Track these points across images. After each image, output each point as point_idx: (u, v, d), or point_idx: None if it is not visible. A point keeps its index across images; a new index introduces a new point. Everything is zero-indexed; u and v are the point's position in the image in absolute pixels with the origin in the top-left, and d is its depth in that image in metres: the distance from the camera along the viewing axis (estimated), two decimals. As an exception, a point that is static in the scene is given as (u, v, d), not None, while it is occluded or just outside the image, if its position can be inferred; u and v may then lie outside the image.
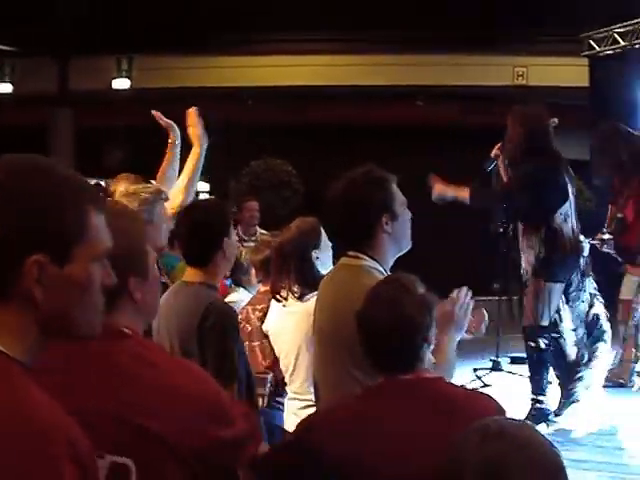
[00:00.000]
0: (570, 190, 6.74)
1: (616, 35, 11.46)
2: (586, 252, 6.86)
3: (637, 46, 11.03)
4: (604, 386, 7.05)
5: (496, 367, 8.29)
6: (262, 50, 14.20)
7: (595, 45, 11.88)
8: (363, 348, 2.83)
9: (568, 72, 12.64)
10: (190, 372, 2.26)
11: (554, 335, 6.69)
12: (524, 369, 8.32)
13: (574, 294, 6.78)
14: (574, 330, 6.80)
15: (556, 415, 6.71)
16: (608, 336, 6.94)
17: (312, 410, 3.54)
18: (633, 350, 7.69)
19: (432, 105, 13.84)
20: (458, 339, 3.39)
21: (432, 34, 12.78)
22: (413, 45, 13.14)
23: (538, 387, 6.68)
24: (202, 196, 12.24)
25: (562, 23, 12.07)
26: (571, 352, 6.77)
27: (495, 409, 2.77)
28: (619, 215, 7.71)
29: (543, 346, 6.60)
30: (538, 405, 6.63)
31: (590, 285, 6.90)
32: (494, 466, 1.63)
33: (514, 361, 8.64)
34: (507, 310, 9.42)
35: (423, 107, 13.98)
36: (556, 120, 7.77)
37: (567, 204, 6.70)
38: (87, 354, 2.05)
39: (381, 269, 3.40)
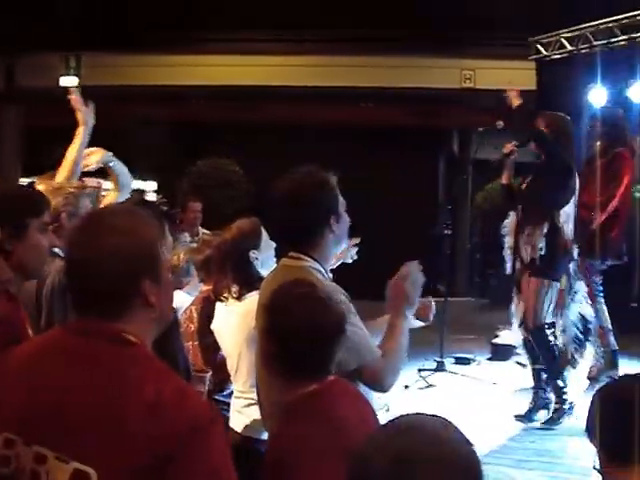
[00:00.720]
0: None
1: (563, 40, 11.57)
2: (575, 255, 7.11)
3: (583, 51, 11.14)
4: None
5: (440, 368, 8.33)
6: (212, 49, 14.14)
7: (542, 49, 11.99)
8: (275, 351, 2.87)
9: (515, 76, 12.72)
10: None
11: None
12: (468, 369, 8.43)
13: (566, 296, 6.99)
14: (564, 331, 7.01)
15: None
16: (593, 335, 7.27)
17: (255, 408, 3.55)
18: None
19: (380, 107, 13.86)
20: (410, 317, 3.42)
21: (381, 36, 12.80)
22: (362, 47, 13.15)
23: (556, 378, 6.77)
24: (150, 195, 12.17)
25: (510, 27, 12.14)
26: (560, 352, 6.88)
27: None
28: None
29: (553, 340, 6.74)
30: (563, 403, 6.70)
31: (581, 287, 7.17)
32: (401, 460, 1.60)
33: (458, 361, 8.71)
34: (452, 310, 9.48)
35: (371, 108, 14.01)
36: (501, 123, 7.86)
37: (571, 205, 6.91)
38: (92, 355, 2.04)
39: (322, 270, 3.43)
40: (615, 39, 10.59)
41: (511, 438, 6.50)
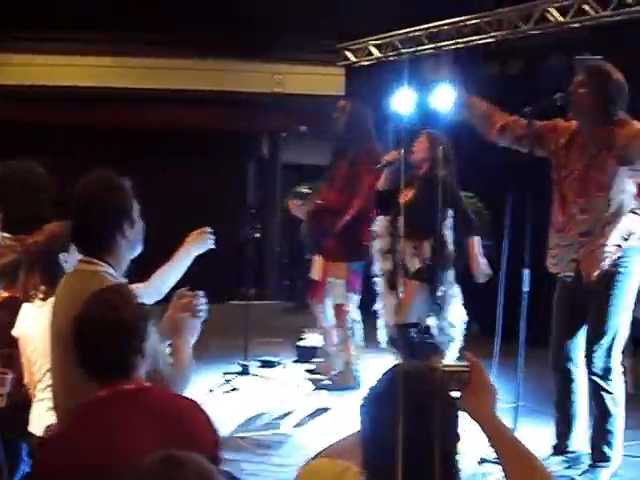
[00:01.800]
0: None
1: (371, 47, 11.71)
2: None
3: (391, 58, 11.30)
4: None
5: (245, 371, 8.18)
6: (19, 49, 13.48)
7: (351, 56, 12.10)
8: (78, 355, 2.81)
9: (325, 81, 12.78)
10: None
11: (426, 335, 6.87)
12: (273, 372, 8.33)
13: (440, 300, 7.18)
14: (439, 331, 7.17)
15: None
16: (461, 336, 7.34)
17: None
18: (352, 352, 7.84)
19: (189, 110, 13.63)
20: (192, 342, 3.57)
21: (192, 39, 12.59)
22: (174, 50, 12.89)
23: None
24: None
25: (320, 33, 12.18)
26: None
27: (204, 418, 2.87)
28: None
29: (416, 338, 6.73)
30: None
31: (457, 291, 7.26)
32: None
33: (264, 364, 8.60)
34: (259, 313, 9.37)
35: (181, 111, 13.75)
36: (305, 127, 7.86)
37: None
38: None
39: (115, 274, 3.40)
40: (422, 47, 10.76)
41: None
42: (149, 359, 2.95)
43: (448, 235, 7.19)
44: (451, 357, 7.39)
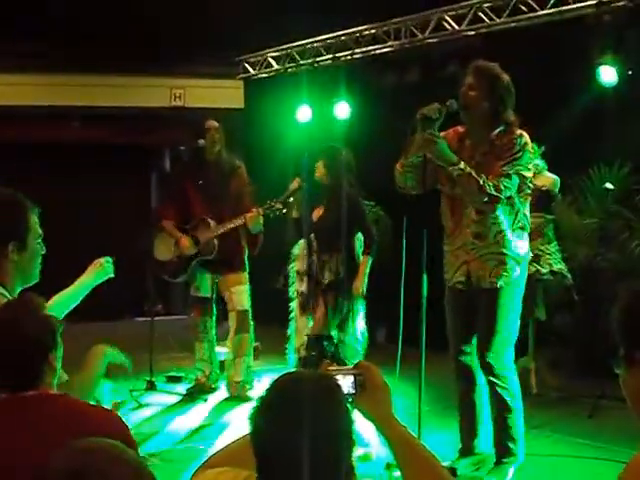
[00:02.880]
0: None
1: (270, 59, 11.73)
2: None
3: (290, 70, 11.33)
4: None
5: (152, 387, 8.10)
6: None
7: (250, 68, 12.10)
8: None
9: (225, 94, 12.75)
10: None
11: (339, 346, 7.29)
12: (180, 387, 8.25)
13: (345, 314, 7.40)
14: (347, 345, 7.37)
15: None
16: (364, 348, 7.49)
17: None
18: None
19: (89, 126, 13.46)
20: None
21: (86, 54, 12.42)
22: (68, 65, 12.71)
23: None
24: None
25: (218, 46, 12.14)
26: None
27: (119, 422, 2.81)
28: None
29: (331, 350, 7.13)
30: None
31: (362, 306, 7.44)
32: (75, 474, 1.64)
33: (170, 380, 8.51)
34: (165, 329, 9.30)
35: (78, 128, 13.56)
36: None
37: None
38: None
39: (8, 296, 3.31)
40: (320, 58, 10.81)
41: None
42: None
43: (357, 251, 7.42)
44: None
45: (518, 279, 5.52)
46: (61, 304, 3.92)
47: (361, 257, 7.38)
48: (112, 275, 4.18)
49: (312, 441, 1.98)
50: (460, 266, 5.59)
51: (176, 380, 8.54)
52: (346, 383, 2.38)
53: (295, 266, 7.84)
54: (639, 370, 2.03)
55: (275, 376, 2.14)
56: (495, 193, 5.27)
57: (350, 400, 2.35)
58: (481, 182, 5.27)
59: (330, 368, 2.48)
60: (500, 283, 5.46)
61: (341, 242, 7.29)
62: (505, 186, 5.29)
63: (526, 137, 5.42)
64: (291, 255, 7.94)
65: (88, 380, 3.41)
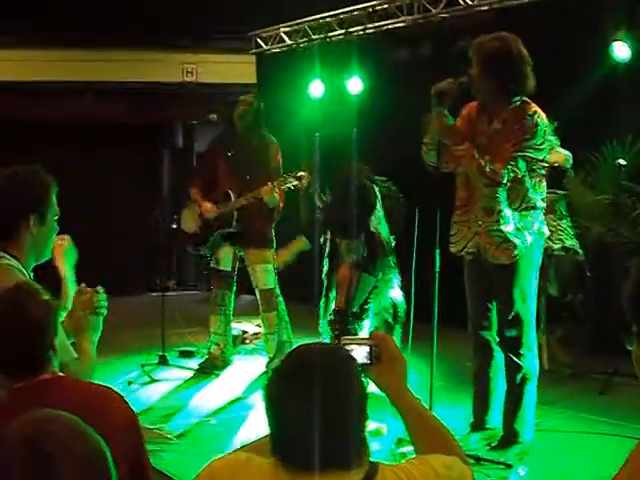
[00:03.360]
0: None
1: (282, 34, 11.70)
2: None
3: (302, 45, 11.30)
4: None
5: (163, 362, 8.14)
6: None
7: (262, 43, 12.07)
8: None
9: (237, 69, 12.75)
10: None
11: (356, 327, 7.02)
12: (192, 362, 8.29)
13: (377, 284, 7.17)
14: (376, 314, 7.15)
15: None
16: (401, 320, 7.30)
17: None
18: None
19: (102, 101, 13.46)
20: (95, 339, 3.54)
21: (100, 29, 12.42)
22: (82, 40, 12.70)
23: None
24: None
25: (230, 21, 12.13)
26: None
27: (120, 400, 2.83)
28: None
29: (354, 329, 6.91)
30: None
31: (394, 275, 7.22)
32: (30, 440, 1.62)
33: (182, 355, 8.55)
34: (177, 304, 9.33)
35: (93, 103, 13.57)
36: (215, 116, 7.83)
37: (379, 207, 7.09)
38: None
39: (23, 270, 3.36)
40: (333, 33, 10.79)
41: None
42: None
43: (376, 226, 7.16)
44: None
45: (527, 257, 5.45)
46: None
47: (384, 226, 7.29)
48: (74, 255, 4.08)
49: (323, 412, 2.01)
50: (472, 237, 5.57)
51: (188, 355, 8.57)
52: (361, 353, 2.41)
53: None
54: None
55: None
56: (493, 177, 5.25)
57: (364, 370, 2.37)
58: (483, 164, 5.25)
59: (346, 338, 2.51)
60: (503, 260, 5.45)
61: (358, 225, 7.10)
62: (509, 170, 5.24)
63: (541, 115, 5.32)
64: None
65: (87, 363, 3.45)
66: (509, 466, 5.29)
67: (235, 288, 8.21)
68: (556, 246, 7.53)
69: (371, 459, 2.14)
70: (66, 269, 3.98)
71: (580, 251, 7.71)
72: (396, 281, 7.32)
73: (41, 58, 12.79)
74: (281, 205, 7.84)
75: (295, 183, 7.56)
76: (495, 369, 5.71)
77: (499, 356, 5.65)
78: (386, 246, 7.18)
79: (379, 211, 7.21)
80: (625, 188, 8.00)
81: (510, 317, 5.48)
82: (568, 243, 7.64)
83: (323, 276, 7.47)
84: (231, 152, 7.97)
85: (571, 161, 7.82)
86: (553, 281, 7.69)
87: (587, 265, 7.79)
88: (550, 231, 7.31)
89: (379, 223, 7.20)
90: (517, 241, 5.42)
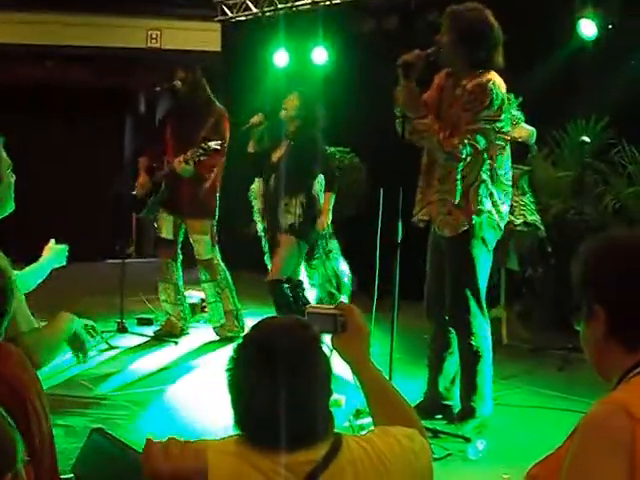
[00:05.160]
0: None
1: (248, 2, 11.59)
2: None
3: (268, 14, 11.20)
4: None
5: (122, 329, 8.08)
6: None
7: (228, 11, 11.95)
8: None
9: (201, 36, 12.63)
10: None
11: (299, 290, 7.27)
12: (150, 329, 8.25)
13: (318, 255, 7.46)
14: (319, 285, 7.50)
15: None
16: (347, 290, 7.70)
17: None
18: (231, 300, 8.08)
19: (63, 66, 13.29)
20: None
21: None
22: (44, 3, 12.51)
23: None
24: None
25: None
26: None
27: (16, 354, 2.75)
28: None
29: (290, 295, 7.14)
30: None
31: (335, 245, 7.57)
32: None
33: (140, 322, 8.51)
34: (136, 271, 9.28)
35: (53, 68, 13.39)
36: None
37: (322, 178, 7.31)
38: None
39: None
40: (299, 2, 10.71)
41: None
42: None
43: (317, 192, 7.35)
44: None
45: (473, 235, 5.37)
46: (22, 280, 3.84)
47: (322, 195, 7.35)
48: (64, 263, 4.10)
49: (290, 393, 2.03)
50: (425, 205, 5.55)
51: (147, 322, 8.53)
52: (327, 322, 2.40)
53: (256, 205, 7.75)
54: (597, 325, 2.03)
55: (254, 320, 2.15)
56: (453, 152, 5.22)
57: (328, 339, 2.37)
58: (441, 139, 5.23)
59: (311, 306, 2.50)
60: (446, 232, 5.43)
61: (301, 184, 7.28)
62: (467, 144, 5.19)
63: (499, 85, 5.25)
64: (250, 192, 7.84)
65: (49, 339, 3.40)
66: (467, 440, 5.30)
67: (181, 257, 8.18)
68: (518, 221, 7.54)
69: (335, 431, 2.16)
70: (45, 259, 3.99)
71: (541, 227, 7.74)
72: (334, 252, 7.39)
73: (3, 20, 12.58)
74: (211, 174, 7.79)
75: (209, 148, 7.44)
76: (449, 343, 5.68)
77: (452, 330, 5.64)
78: (318, 213, 7.31)
79: (323, 180, 7.35)
80: (588, 165, 8.03)
81: (456, 293, 5.47)
82: (530, 219, 7.65)
83: (263, 242, 7.49)
84: (174, 118, 7.98)
85: (535, 137, 7.83)
86: (514, 256, 7.71)
87: (548, 241, 7.82)
88: (512, 206, 7.33)
89: (321, 190, 7.32)
90: (462, 217, 5.37)
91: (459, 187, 5.34)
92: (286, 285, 7.19)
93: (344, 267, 7.67)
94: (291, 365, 2.05)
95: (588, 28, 7.94)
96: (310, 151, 7.25)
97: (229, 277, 8.08)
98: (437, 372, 5.75)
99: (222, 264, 8.03)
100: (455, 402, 5.70)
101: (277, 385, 2.02)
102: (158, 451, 2.12)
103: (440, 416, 5.71)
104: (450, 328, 5.64)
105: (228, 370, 2.12)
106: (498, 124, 5.29)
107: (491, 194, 5.39)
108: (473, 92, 5.27)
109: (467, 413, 5.52)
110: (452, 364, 5.70)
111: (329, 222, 7.43)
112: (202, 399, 6.18)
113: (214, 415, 5.55)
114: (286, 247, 7.29)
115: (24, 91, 12.62)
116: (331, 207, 7.41)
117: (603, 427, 1.87)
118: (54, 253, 4.11)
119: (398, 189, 5.31)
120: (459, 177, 5.33)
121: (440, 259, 5.59)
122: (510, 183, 5.56)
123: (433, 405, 5.74)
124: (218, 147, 7.42)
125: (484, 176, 5.35)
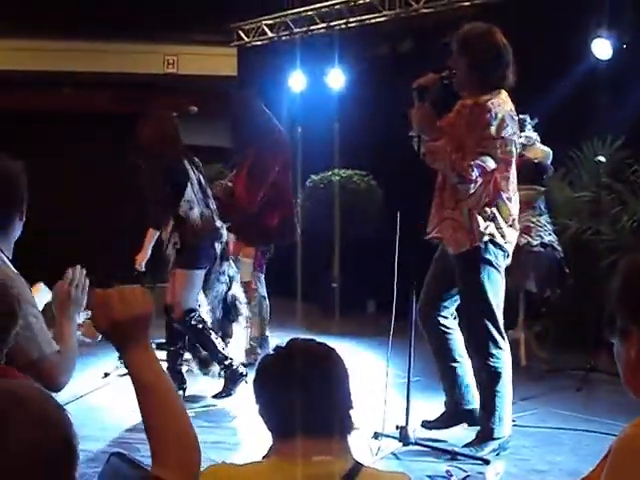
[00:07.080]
0: (193, 176, 6.85)
1: (264, 27, 11.67)
2: (224, 237, 7.05)
3: (284, 38, 11.28)
4: (245, 365, 7.11)
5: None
6: None
7: (244, 36, 12.03)
8: None
9: (218, 61, 12.70)
10: None
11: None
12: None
13: (212, 277, 7.03)
14: (212, 311, 7.11)
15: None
16: (243, 317, 7.36)
17: None
18: (259, 328, 8.00)
19: (81, 93, 13.39)
20: (79, 320, 3.43)
21: (80, 20, 12.34)
22: (61, 31, 12.62)
23: (217, 354, 6.85)
24: None
25: (212, 13, 12.09)
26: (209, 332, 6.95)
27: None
28: (229, 184, 7.98)
29: (200, 325, 6.86)
30: (232, 367, 6.82)
31: (230, 268, 7.16)
32: None
33: (160, 347, 8.48)
34: (157, 295, 9.23)
35: (71, 94, 13.49)
36: (195, 108, 7.79)
37: (190, 191, 6.77)
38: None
39: (7, 261, 3.34)
40: (314, 27, 10.77)
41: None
42: (34, 345, 3.03)
43: (190, 213, 6.81)
44: (248, 334, 7.86)
45: (478, 257, 5.35)
46: None
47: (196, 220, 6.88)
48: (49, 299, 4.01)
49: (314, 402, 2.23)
50: (438, 223, 5.55)
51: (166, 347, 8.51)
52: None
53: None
54: (631, 344, 2.01)
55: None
56: (464, 174, 5.21)
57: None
58: (453, 160, 5.24)
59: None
60: (451, 250, 5.43)
61: (162, 213, 6.92)
62: (475, 165, 5.19)
63: (500, 105, 5.25)
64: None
65: (68, 354, 3.35)
66: (486, 462, 5.28)
67: None
68: (535, 242, 7.54)
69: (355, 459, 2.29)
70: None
71: (559, 248, 7.72)
72: (232, 278, 7.13)
73: (15, 47, 12.69)
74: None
75: None
76: (456, 358, 5.66)
77: (458, 337, 5.62)
78: (202, 235, 6.82)
79: (191, 194, 6.82)
80: (605, 185, 8.02)
81: (470, 317, 5.47)
82: (547, 239, 7.64)
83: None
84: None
85: (551, 157, 7.83)
86: (531, 277, 7.69)
87: (565, 262, 7.80)
88: (529, 227, 7.33)
89: (191, 208, 6.80)
90: (465, 237, 5.37)
91: (464, 208, 5.36)
92: (189, 316, 6.91)
93: (239, 291, 7.35)
94: (311, 373, 2.25)
95: (603, 48, 7.96)
96: (164, 178, 6.80)
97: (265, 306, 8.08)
98: (451, 381, 5.72)
99: (262, 292, 8.03)
100: (475, 405, 5.66)
101: (299, 389, 2.19)
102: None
103: (465, 425, 5.69)
104: (447, 332, 5.62)
105: (256, 382, 2.34)
106: (497, 143, 5.26)
107: (494, 217, 5.38)
108: (472, 112, 5.31)
109: (486, 435, 5.49)
110: (463, 371, 5.67)
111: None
112: (224, 421, 6.19)
113: (238, 436, 5.55)
114: (180, 282, 6.97)
115: (41, 118, 12.69)
116: (149, 244, 7.27)
117: (638, 449, 1.85)
118: (40, 294, 4.04)
119: (415, 211, 5.33)
120: (464, 198, 5.34)
121: (443, 266, 5.58)
122: (515, 205, 5.51)
123: (456, 413, 5.73)
124: None
125: (486, 199, 5.35)
